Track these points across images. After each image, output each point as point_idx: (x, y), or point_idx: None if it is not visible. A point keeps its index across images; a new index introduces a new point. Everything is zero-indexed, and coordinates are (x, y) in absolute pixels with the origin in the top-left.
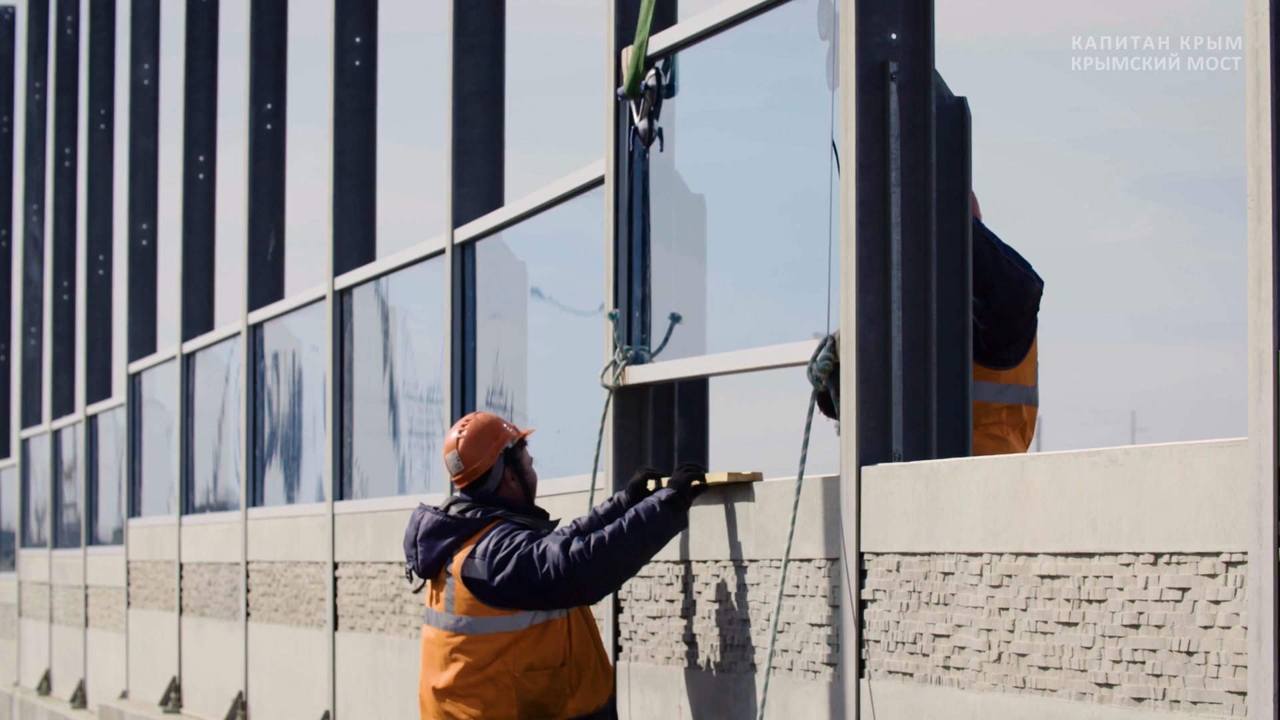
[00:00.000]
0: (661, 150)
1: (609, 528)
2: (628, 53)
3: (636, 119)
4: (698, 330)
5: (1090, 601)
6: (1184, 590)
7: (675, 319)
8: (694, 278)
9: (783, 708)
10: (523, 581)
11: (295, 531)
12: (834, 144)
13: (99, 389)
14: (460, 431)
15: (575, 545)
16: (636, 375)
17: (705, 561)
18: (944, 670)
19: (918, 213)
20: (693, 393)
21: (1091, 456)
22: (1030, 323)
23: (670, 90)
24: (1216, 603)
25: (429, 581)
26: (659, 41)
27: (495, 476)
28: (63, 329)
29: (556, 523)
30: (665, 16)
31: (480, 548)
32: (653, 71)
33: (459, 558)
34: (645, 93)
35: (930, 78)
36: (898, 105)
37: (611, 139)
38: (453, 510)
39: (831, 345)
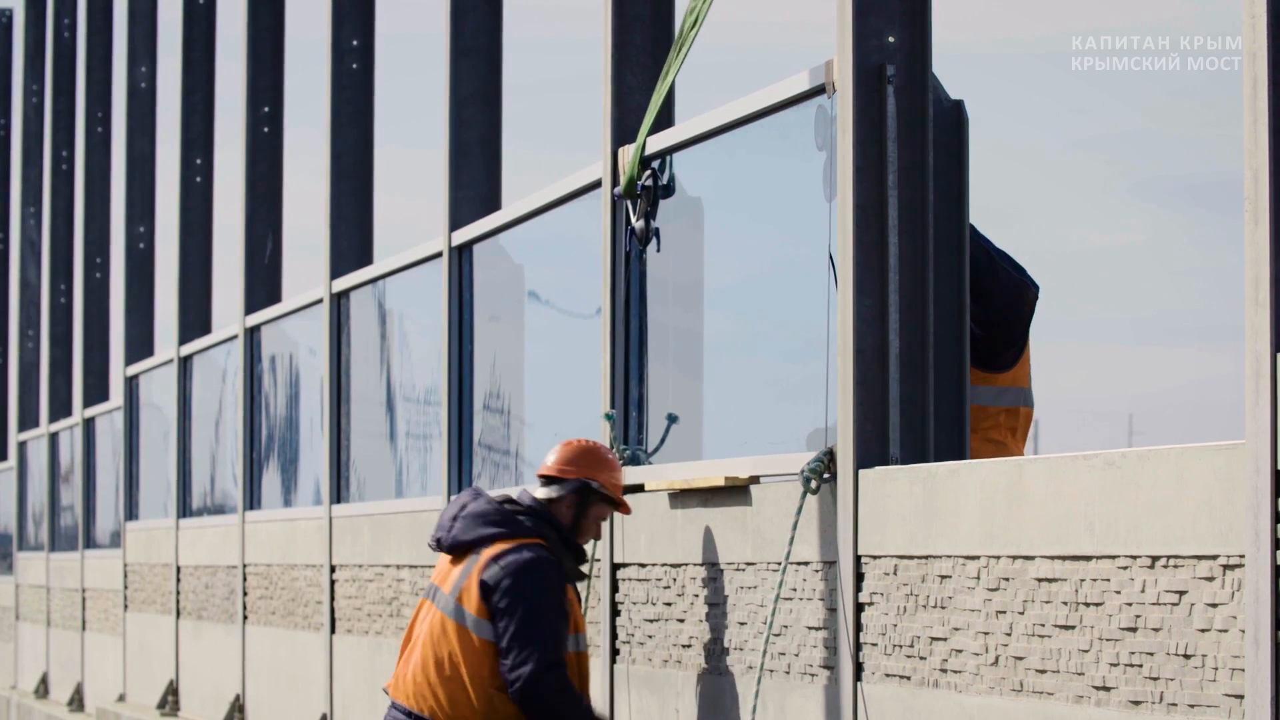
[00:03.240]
0: (659, 250)
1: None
2: (624, 152)
3: (633, 219)
4: (694, 430)
5: (1087, 604)
6: (1181, 593)
7: (672, 419)
8: (691, 380)
9: (780, 710)
10: (515, 625)
11: (292, 534)
12: (831, 255)
13: (96, 392)
14: (589, 441)
15: (560, 676)
16: (633, 476)
17: (702, 564)
18: (941, 673)
19: (915, 216)
20: None
21: (1089, 459)
22: (1027, 327)
23: (668, 190)
24: (1214, 606)
25: (448, 558)
26: (656, 142)
27: (564, 488)
28: (60, 332)
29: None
30: (662, 118)
31: (511, 559)
32: (649, 172)
33: (489, 552)
34: (642, 193)
35: (928, 80)
36: (895, 108)
37: (608, 239)
38: (508, 507)
39: (828, 454)
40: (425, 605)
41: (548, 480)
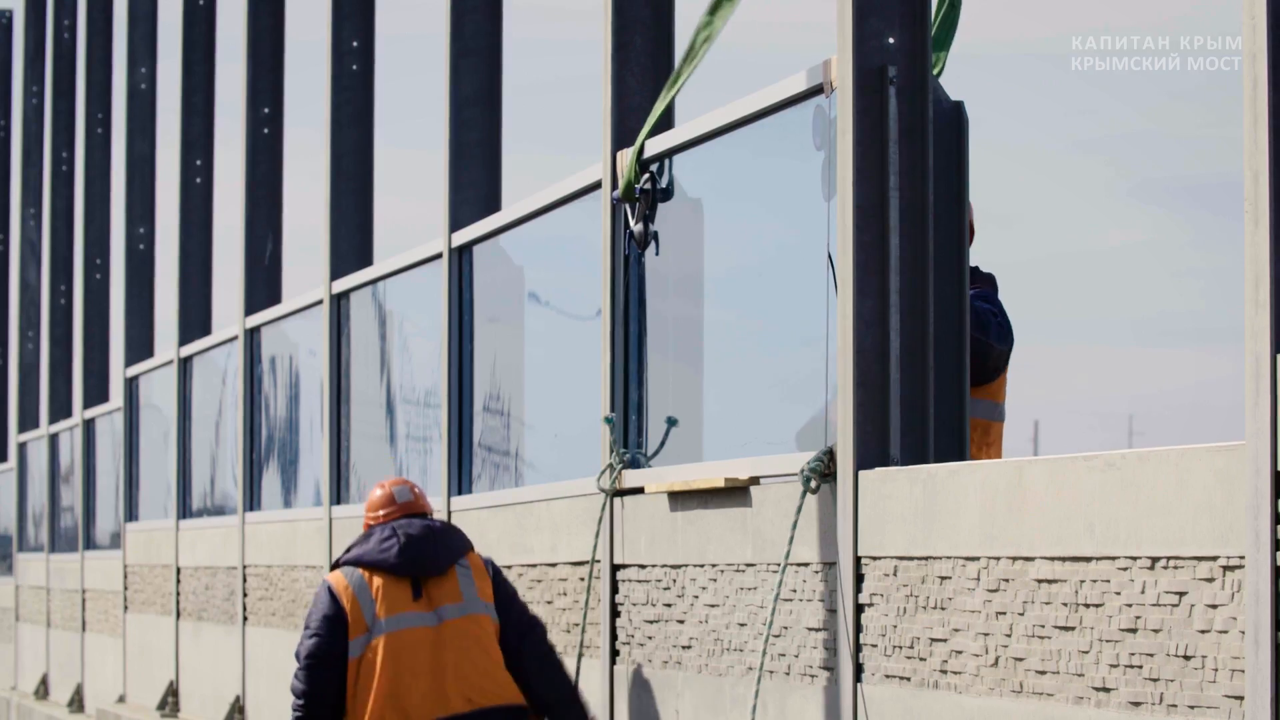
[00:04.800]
0: (658, 254)
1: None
2: (622, 155)
3: (632, 222)
4: (694, 432)
5: (1087, 605)
6: (1181, 594)
7: (671, 422)
8: (691, 382)
9: (780, 712)
10: (514, 601)
11: (292, 536)
12: (830, 255)
13: (96, 393)
14: (408, 481)
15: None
16: (633, 479)
17: (702, 565)
18: (941, 674)
19: (915, 217)
20: None
21: (1089, 460)
22: (993, 374)
23: (667, 194)
24: (1214, 607)
25: (401, 584)
26: (655, 145)
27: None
28: (60, 333)
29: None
30: (661, 121)
31: (487, 556)
32: (648, 175)
33: (474, 558)
34: (640, 196)
35: (928, 82)
36: (895, 110)
37: (608, 241)
38: (449, 523)
39: (829, 453)
40: (410, 634)
41: (425, 515)
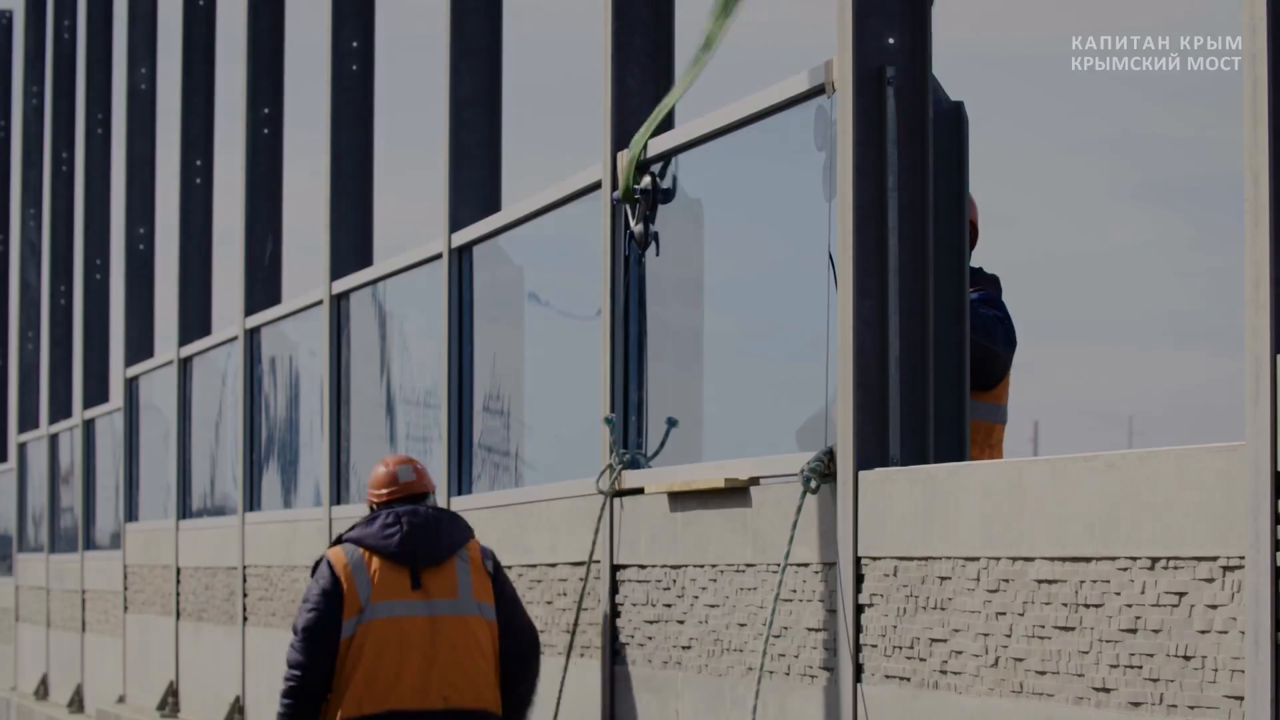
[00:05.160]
0: (658, 255)
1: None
2: (623, 156)
3: (632, 223)
4: (694, 432)
5: (1087, 606)
6: (1181, 595)
7: (671, 423)
8: (691, 382)
9: (780, 712)
10: (517, 606)
11: (293, 536)
12: (830, 256)
13: (96, 394)
14: (411, 459)
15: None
16: (633, 480)
17: (702, 565)
18: (941, 675)
19: (915, 218)
20: None
21: (1089, 461)
22: (998, 378)
23: (668, 195)
24: (1214, 607)
25: (400, 571)
26: (656, 145)
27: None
28: (60, 334)
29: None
30: (661, 123)
31: (487, 549)
32: (648, 176)
33: (473, 550)
34: (641, 197)
35: (928, 82)
36: (895, 110)
37: (608, 241)
38: (448, 511)
39: (829, 453)
40: (405, 622)
41: (427, 494)
